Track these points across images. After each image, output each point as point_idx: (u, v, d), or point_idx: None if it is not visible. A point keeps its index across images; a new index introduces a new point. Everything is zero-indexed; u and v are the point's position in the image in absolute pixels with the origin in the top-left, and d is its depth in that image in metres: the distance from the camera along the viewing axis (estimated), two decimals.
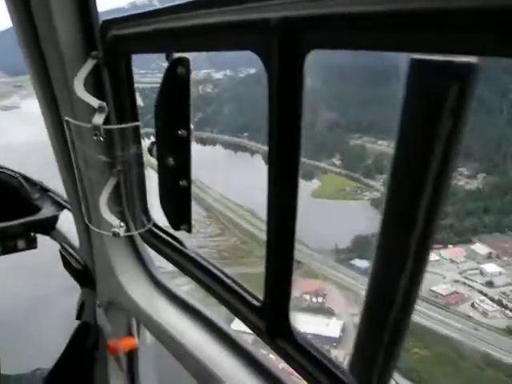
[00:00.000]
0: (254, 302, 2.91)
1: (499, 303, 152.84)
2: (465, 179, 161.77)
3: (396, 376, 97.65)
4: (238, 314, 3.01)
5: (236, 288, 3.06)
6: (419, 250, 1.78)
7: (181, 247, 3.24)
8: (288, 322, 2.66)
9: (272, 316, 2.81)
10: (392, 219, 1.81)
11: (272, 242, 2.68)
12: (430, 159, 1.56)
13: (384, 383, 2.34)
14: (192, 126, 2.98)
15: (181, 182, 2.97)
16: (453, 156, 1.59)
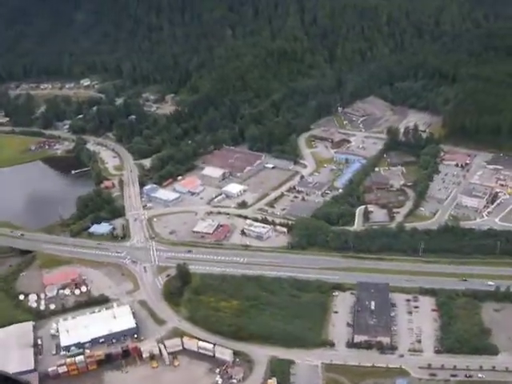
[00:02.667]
0: None
1: (265, 221, 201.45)
2: None
3: (228, 343, 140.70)
4: None
5: None
6: None
7: None
8: None
9: None
10: None
11: None
12: None
13: None
14: None
15: None
16: None
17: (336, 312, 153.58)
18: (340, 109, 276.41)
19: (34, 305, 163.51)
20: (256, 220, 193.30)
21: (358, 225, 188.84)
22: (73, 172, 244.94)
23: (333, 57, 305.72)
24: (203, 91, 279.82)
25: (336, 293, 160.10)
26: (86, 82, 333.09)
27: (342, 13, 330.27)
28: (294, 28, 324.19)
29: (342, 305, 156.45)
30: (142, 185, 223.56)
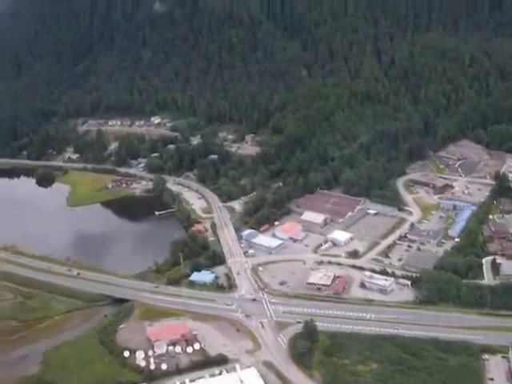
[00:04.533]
0: None
1: (385, 273, 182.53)
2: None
3: None
4: None
5: None
6: None
7: None
8: None
9: None
10: None
11: None
12: None
13: None
14: None
15: None
16: None
17: (492, 379, 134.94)
18: (431, 152, 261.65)
19: (143, 363, 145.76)
20: (373, 271, 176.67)
21: (488, 278, 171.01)
22: (156, 213, 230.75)
23: (416, 99, 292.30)
24: (287, 132, 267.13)
25: (486, 356, 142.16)
26: (156, 119, 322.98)
27: (422, 54, 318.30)
28: (373, 69, 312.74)
29: (497, 370, 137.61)
30: (235, 229, 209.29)
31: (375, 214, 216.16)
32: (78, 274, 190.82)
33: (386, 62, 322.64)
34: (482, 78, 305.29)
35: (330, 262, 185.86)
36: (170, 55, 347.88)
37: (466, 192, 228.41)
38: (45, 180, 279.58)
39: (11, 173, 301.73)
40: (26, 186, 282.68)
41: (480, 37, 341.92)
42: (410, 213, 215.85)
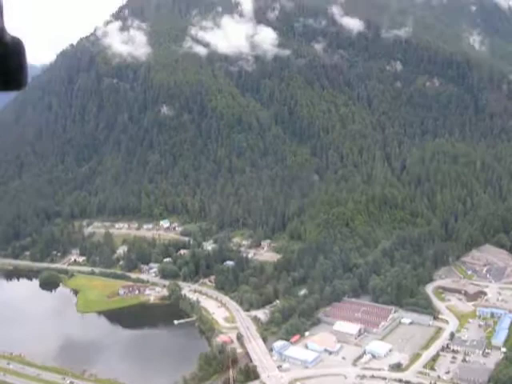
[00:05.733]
0: None
1: None
2: None
3: None
4: None
5: None
6: None
7: None
8: None
9: None
10: None
11: None
12: None
13: None
14: None
15: None
16: None
17: None
18: (451, 258, 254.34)
19: None
20: None
21: None
22: (176, 322, 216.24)
23: (432, 204, 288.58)
24: (308, 238, 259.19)
25: None
26: (165, 223, 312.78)
27: (432, 159, 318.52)
28: (386, 174, 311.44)
29: None
30: (263, 340, 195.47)
31: (410, 324, 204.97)
32: (72, 383, 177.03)
33: (397, 167, 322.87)
34: (494, 182, 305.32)
35: (373, 376, 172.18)
36: (178, 158, 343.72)
37: (499, 298, 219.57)
38: (49, 283, 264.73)
39: (11, 274, 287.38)
40: (29, 289, 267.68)
41: (486, 142, 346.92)
42: (446, 321, 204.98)
